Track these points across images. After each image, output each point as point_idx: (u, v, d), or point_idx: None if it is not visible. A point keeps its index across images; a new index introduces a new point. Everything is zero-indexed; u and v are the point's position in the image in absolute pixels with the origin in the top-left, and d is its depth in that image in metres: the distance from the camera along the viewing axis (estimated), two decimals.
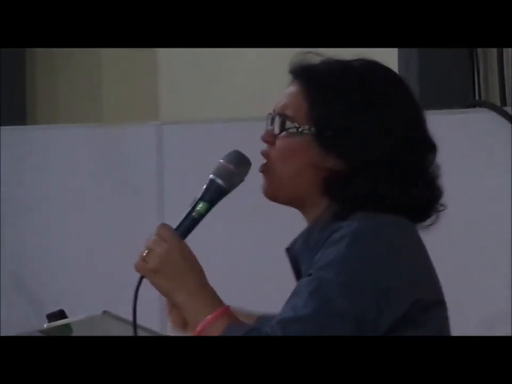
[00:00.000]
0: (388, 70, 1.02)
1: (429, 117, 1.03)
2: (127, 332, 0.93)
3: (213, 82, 3.71)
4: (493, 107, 2.79)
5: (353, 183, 0.95)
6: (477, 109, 2.89)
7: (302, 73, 1.00)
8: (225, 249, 2.46)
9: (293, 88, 1.01)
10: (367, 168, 0.94)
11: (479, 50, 3.08)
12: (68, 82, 3.98)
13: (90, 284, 2.75)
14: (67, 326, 1.06)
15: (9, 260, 2.76)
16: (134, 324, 1.00)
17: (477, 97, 3.05)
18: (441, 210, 1.00)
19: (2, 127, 3.08)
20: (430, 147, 1.00)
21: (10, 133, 3.09)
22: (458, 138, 2.62)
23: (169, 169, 2.81)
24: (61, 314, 1.08)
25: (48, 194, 2.90)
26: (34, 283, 2.82)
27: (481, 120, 2.75)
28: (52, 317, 1.08)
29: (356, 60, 1.01)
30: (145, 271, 0.96)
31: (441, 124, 2.42)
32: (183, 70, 3.87)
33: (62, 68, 4.05)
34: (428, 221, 1.00)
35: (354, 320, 0.88)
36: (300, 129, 0.97)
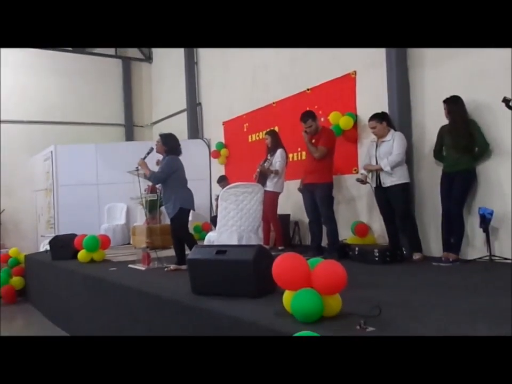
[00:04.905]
0: (171, 134, 6.28)
1: (186, 142, 7.88)
2: None
3: None
4: (202, 139, 10.32)
5: (169, 150, 6.12)
6: (198, 139, 10.40)
7: (161, 135, 6.23)
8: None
9: (158, 138, 6.28)
10: (171, 148, 6.10)
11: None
12: None
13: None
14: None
15: None
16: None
17: (198, 135, 10.42)
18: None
19: None
20: (179, 148, 6.25)
21: None
22: (192, 149, 10.03)
23: None
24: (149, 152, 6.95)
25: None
26: None
27: (200, 144, 10.40)
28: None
29: (167, 133, 6.30)
30: (139, 164, 6.14)
31: (189, 145, 10.11)
32: None
33: None
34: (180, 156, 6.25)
35: (167, 173, 6.01)
36: (160, 145, 6.21)
